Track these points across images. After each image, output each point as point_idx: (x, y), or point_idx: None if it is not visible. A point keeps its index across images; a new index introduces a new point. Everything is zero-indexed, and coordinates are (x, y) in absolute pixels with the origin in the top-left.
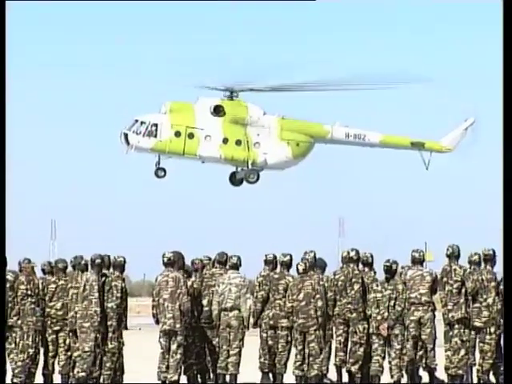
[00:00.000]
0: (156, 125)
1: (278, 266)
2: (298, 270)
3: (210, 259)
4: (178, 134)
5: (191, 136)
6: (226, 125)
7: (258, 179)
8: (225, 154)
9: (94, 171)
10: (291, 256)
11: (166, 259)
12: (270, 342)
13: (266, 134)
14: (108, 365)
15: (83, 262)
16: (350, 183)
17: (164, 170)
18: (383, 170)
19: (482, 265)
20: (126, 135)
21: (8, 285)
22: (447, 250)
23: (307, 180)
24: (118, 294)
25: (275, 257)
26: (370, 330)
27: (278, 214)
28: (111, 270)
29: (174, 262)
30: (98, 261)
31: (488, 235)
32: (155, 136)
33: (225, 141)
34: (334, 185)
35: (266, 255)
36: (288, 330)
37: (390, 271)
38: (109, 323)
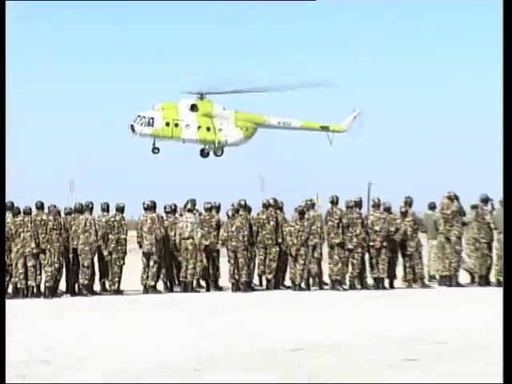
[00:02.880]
0: (152, 118)
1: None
2: (231, 211)
3: (175, 206)
4: (167, 124)
5: (176, 125)
6: (199, 117)
7: (222, 153)
8: (199, 137)
9: (108, 151)
10: (220, 203)
11: (145, 205)
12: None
13: (226, 123)
14: (121, 275)
15: (78, 207)
16: (275, 153)
17: (158, 149)
18: (302, 145)
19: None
20: (132, 126)
21: (42, 222)
22: (330, 198)
23: (253, 153)
24: (126, 228)
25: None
26: (288, 251)
27: (232, 176)
28: (114, 211)
29: (151, 207)
30: (90, 206)
31: (356, 188)
32: (152, 126)
33: (199, 128)
34: (268, 155)
35: (207, 202)
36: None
37: (302, 212)
38: (124, 248)
